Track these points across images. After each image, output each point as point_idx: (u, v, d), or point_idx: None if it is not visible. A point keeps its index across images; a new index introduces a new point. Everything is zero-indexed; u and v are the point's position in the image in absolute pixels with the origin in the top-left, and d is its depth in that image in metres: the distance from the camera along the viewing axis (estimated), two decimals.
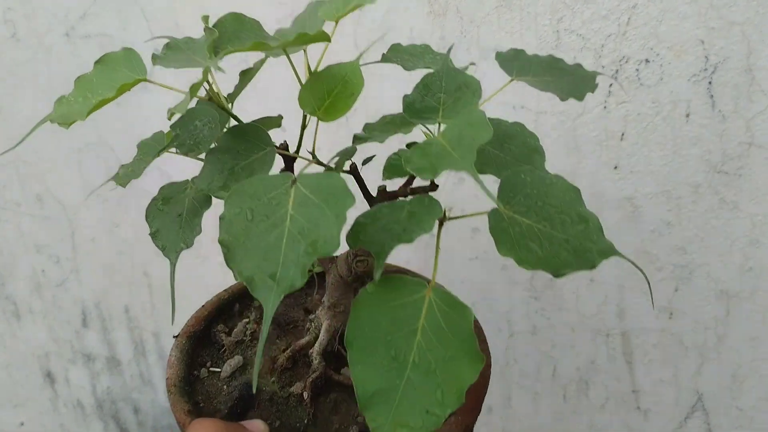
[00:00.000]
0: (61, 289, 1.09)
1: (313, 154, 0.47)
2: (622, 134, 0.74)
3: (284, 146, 0.47)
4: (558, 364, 0.89)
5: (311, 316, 0.56)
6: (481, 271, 0.86)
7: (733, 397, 0.79)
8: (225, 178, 0.43)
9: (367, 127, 0.47)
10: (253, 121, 0.47)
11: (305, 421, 0.49)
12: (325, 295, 0.53)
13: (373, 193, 0.47)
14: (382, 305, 0.38)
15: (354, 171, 0.47)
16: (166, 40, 0.47)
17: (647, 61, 0.70)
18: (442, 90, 0.46)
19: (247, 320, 0.59)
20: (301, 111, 0.45)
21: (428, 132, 0.46)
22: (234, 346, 0.57)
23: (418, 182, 0.45)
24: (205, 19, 0.46)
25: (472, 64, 0.57)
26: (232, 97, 0.51)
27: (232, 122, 0.47)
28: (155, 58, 0.45)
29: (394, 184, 0.46)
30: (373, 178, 0.47)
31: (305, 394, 0.50)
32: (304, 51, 0.47)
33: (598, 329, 0.83)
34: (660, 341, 0.80)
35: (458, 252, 0.86)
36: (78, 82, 0.46)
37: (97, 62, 0.46)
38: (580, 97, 0.51)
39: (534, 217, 0.39)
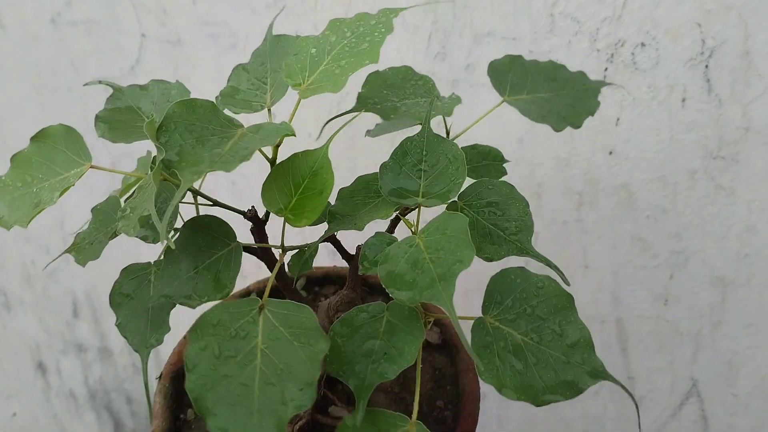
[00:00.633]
0: (51, 279, 1.07)
1: (282, 246, 0.44)
2: (617, 119, 0.73)
3: (252, 213, 0.43)
4: None
5: None
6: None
7: (729, 384, 0.79)
8: (191, 287, 0.40)
9: (342, 194, 0.44)
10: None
11: None
12: None
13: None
14: None
15: (332, 239, 0.45)
16: (105, 85, 0.43)
17: (643, 44, 0.69)
18: (423, 159, 0.42)
19: None
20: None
21: (407, 221, 0.43)
22: None
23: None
24: (152, 132, 0.36)
25: (455, 96, 0.51)
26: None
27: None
28: (99, 126, 0.41)
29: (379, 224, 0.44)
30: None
31: None
32: (269, 110, 0.43)
33: (593, 316, 0.83)
34: (655, 328, 0.80)
35: None
36: (15, 161, 0.42)
37: (33, 138, 0.41)
38: (577, 124, 0.48)
39: (522, 327, 0.38)
